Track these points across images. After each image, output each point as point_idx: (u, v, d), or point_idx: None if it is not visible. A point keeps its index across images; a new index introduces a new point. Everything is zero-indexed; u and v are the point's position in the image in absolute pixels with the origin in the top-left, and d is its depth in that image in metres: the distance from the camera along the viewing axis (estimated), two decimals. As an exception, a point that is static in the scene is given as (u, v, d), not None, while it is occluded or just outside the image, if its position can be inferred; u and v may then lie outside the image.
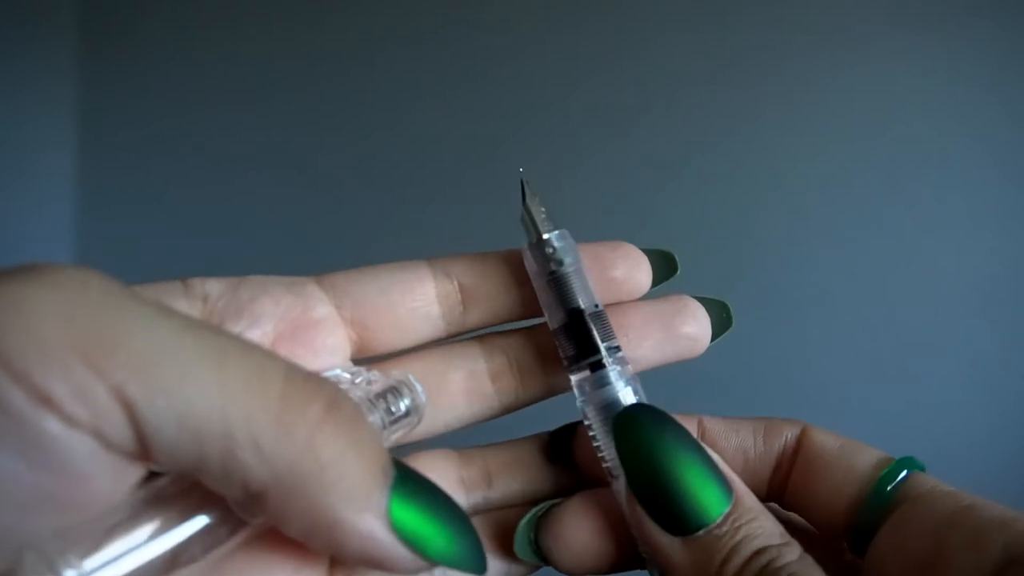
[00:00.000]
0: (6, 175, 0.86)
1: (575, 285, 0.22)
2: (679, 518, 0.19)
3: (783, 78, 0.73)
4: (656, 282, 0.24)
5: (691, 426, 0.22)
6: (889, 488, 0.20)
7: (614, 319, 0.23)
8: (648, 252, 0.24)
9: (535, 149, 0.79)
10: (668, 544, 0.19)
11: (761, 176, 0.74)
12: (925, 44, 0.70)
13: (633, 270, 0.23)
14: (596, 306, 0.22)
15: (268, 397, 0.15)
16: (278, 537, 0.17)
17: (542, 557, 0.21)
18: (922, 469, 0.21)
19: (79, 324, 0.14)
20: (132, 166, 0.93)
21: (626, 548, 0.21)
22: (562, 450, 0.23)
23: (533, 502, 0.22)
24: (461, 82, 0.82)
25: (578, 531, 0.21)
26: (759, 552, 0.18)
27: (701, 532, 0.19)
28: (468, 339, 0.24)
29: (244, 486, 0.15)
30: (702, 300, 0.25)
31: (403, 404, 0.20)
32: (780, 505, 0.23)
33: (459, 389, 0.23)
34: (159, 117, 0.91)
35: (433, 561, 0.17)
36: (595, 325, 0.22)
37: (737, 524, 0.19)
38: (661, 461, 0.19)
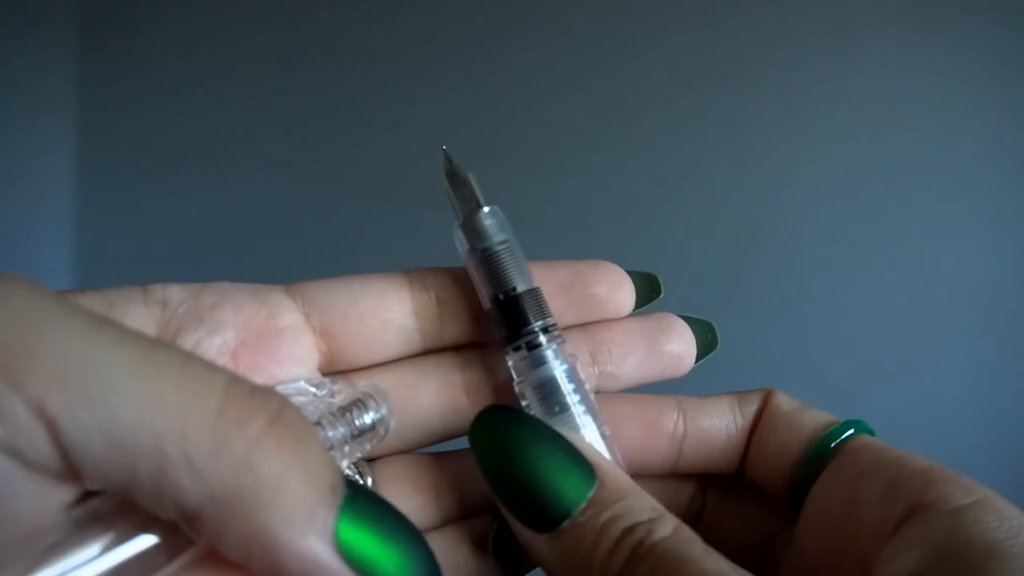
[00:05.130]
0: (6, 175, 0.86)
1: (507, 263, 0.21)
2: (541, 514, 0.18)
3: (783, 79, 0.73)
4: (639, 304, 0.24)
5: (668, 407, 0.22)
6: (832, 445, 0.20)
7: (598, 335, 0.22)
8: (632, 273, 0.24)
9: (536, 149, 0.79)
10: (539, 542, 0.18)
11: (761, 176, 0.74)
12: (925, 44, 0.70)
13: (616, 290, 0.23)
14: (530, 285, 0.21)
15: (204, 411, 0.14)
16: (219, 560, 0.16)
17: (517, 558, 0.21)
18: (870, 434, 0.21)
19: (7, 327, 0.13)
20: (132, 166, 0.93)
21: None
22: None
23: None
24: (459, 86, 0.82)
25: None
26: (628, 530, 0.17)
27: (565, 523, 0.18)
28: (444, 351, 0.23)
29: (177, 505, 0.14)
30: (688, 319, 0.25)
31: (368, 417, 0.19)
32: (742, 474, 0.22)
33: (431, 402, 0.22)
34: (159, 117, 0.91)
35: None
36: (528, 304, 0.21)
37: (602, 507, 0.18)
38: (511, 460, 0.18)
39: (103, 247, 0.92)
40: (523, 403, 0.21)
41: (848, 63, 0.71)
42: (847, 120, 0.72)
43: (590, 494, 0.18)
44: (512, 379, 0.22)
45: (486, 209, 0.22)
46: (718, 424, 0.22)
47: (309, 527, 0.15)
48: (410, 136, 0.82)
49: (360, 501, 0.16)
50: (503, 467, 0.19)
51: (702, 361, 0.24)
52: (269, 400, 0.15)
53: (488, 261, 0.21)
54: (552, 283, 0.22)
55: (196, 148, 0.90)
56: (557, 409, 0.21)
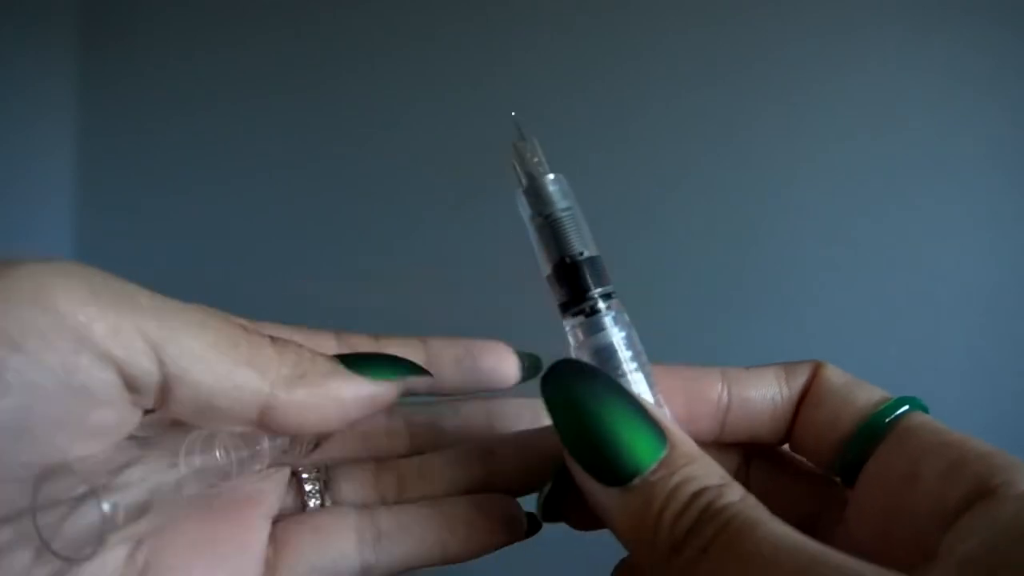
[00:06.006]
0: (6, 175, 0.86)
1: (569, 229, 0.22)
2: (612, 469, 0.18)
3: (783, 79, 0.73)
4: (524, 379, 0.26)
5: (713, 379, 0.23)
6: (887, 421, 0.20)
7: (425, 354, 0.24)
8: (518, 353, 0.26)
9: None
10: (605, 496, 0.19)
11: (761, 176, 0.74)
12: (925, 44, 0.70)
13: (502, 363, 0.25)
14: (587, 253, 0.22)
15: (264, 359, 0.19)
16: (222, 511, 0.20)
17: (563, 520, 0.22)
18: (924, 410, 0.21)
19: (102, 286, 0.17)
20: (132, 166, 0.93)
21: None
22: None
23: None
24: (459, 86, 0.82)
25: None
26: (698, 494, 0.18)
27: (636, 481, 0.18)
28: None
29: (258, 411, 0.19)
30: (516, 351, 0.26)
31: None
32: (789, 447, 0.22)
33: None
34: (159, 117, 0.91)
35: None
36: (588, 270, 0.21)
37: (673, 468, 0.18)
38: (587, 413, 0.19)
39: (103, 247, 0.92)
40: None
41: (848, 63, 0.71)
42: (847, 120, 0.72)
43: (662, 455, 0.18)
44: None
45: (551, 176, 0.22)
46: (764, 394, 0.22)
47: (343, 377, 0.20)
48: (410, 136, 0.82)
49: (354, 363, 0.21)
50: (579, 419, 0.19)
51: (525, 382, 0.26)
52: (288, 351, 0.20)
53: (552, 226, 0.22)
54: (448, 357, 0.25)
55: (196, 148, 0.90)
56: (616, 375, 0.21)
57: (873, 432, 0.20)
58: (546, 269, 0.22)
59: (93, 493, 0.17)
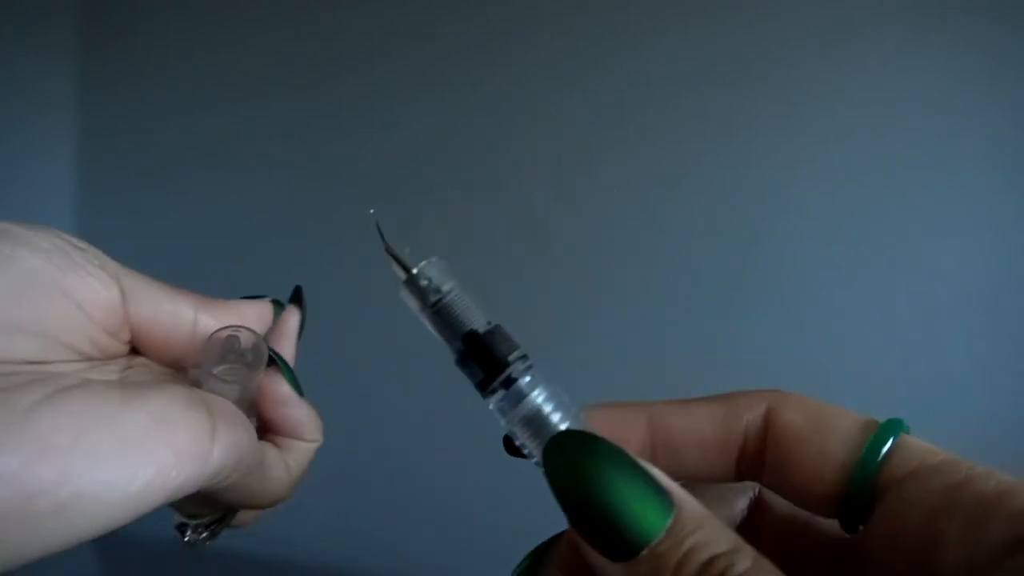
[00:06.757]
0: (6, 175, 0.86)
1: (459, 310, 0.21)
2: (619, 543, 0.18)
3: (783, 79, 0.73)
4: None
5: (639, 417, 0.22)
6: (877, 461, 0.19)
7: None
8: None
9: (536, 149, 0.79)
10: (612, 570, 0.18)
11: (761, 176, 0.74)
12: (925, 44, 0.70)
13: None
14: (488, 323, 0.21)
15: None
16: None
17: None
18: (904, 430, 0.20)
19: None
20: (132, 166, 0.93)
21: None
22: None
23: None
24: (459, 86, 0.82)
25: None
26: (708, 563, 0.17)
27: (644, 552, 0.17)
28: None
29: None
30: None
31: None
32: (761, 484, 0.22)
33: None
34: (159, 117, 0.91)
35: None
36: (491, 344, 0.21)
37: (681, 536, 0.17)
38: (590, 487, 0.18)
39: (103, 247, 0.91)
40: (516, 443, 0.21)
41: (848, 63, 0.71)
42: (847, 120, 0.72)
43: (669, 522, 0.18)
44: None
45: (425, 263, 0.22)
46: (691, 431, 0.22)
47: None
48: (410, 136, 0.82)
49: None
50: (582, 495, 0.18)
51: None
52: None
53: (442, 313, 0.21)
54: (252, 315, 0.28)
55: (196, 148, 0.90)
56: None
57: (866, 474, 0.19)
58: (454, 355, 0.21)
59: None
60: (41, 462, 0.17)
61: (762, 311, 0.74)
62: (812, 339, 0.73)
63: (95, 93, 0.93)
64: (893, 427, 0.20)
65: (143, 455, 0.18)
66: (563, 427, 0.21)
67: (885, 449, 0.19)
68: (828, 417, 0.21)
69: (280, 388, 0.26)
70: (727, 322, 0.74)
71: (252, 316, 0.27)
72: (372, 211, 0.23)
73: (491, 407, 0.21)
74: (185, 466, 0.19)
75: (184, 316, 0.25)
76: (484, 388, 0.21)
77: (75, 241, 0.24)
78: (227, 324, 0.25)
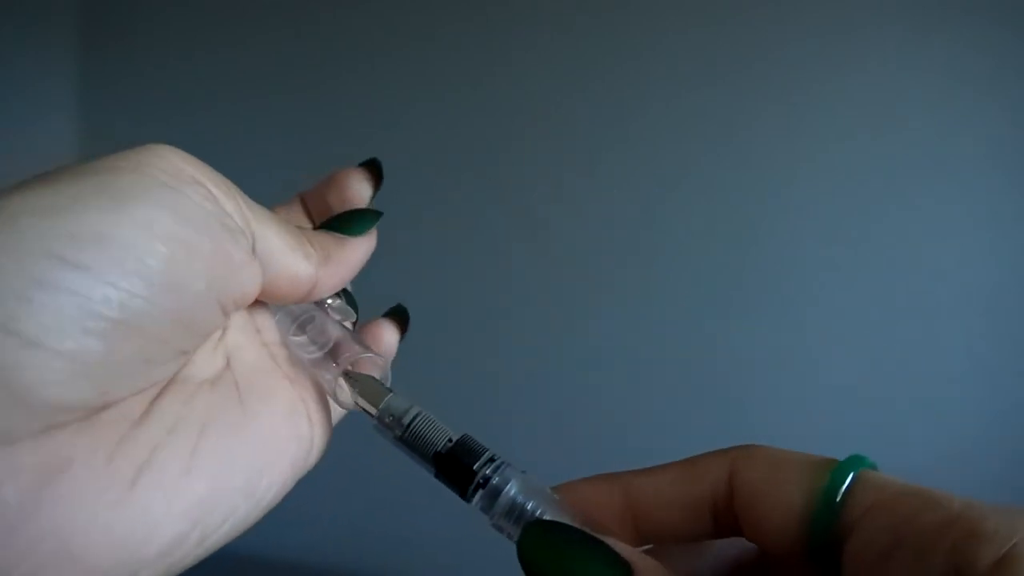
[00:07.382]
0: (6, 175, 0.86)
1: (425, 433, 0.23)
2: None
3: (783, 79, 0.73)
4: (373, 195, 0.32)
5: (613, 489, 0.23)
6: (835, 506, 0.19)
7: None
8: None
9: (536, 149, 0.79)
10: None
11: (761, 176, 0.74)
12: (925, 44, 0.70)
13: (356, 182, 0.31)
14: (449, 439, 0.23)
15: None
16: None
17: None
18: (864, 466, 0.20)
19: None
20: (132, 166, 0.93)
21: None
22: None
23: None
24: (459, 86, 0.82)
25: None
26: None
27: None
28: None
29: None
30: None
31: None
32: (745, 539, 0.22)
33: None
34: (159, 117, 0.91)
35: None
36: (462, 454, 0.23)
37: None
38: (555, 570, 0.20)
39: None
40: (504, 534, 0.23)
41: (848, 63, 0.71)
42: (847, 120, 0.72)
43: None
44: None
45: (386, 399, 0.24)
46: (659, 494, 0.22)
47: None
48: (410, 136, 0.82)
49: (342, 227, 0.28)
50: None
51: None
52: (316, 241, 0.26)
53: (412, 440, 0.24)
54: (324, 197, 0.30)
55: (196, 148, 0.89)
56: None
57: (825, 523, 0.19)
58: (432, 474, 0.24)
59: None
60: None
61: (762, 311, 0.74)
62: (812, 339, 0.73)
63: (95, 93, 0.93)
64: (848, 466, 0.20)
65: (264, 482, 0.22)
66: (539, 512, 0.22)
67: (842, 490, 0.19)
68: (785, 469, 0.21)
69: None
70: (727, 322, 0.74)
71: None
72: (337, 365, 0.26)
73: (480, 509, 0.23)
74: (293, 474, 0.23)
75: (303, 279, 0.25)
76: (470, 496, 0.23)
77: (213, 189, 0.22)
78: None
